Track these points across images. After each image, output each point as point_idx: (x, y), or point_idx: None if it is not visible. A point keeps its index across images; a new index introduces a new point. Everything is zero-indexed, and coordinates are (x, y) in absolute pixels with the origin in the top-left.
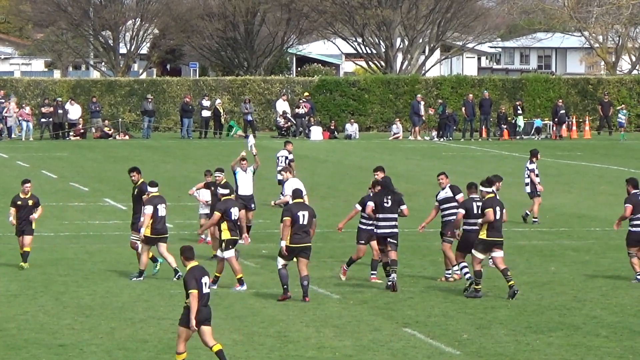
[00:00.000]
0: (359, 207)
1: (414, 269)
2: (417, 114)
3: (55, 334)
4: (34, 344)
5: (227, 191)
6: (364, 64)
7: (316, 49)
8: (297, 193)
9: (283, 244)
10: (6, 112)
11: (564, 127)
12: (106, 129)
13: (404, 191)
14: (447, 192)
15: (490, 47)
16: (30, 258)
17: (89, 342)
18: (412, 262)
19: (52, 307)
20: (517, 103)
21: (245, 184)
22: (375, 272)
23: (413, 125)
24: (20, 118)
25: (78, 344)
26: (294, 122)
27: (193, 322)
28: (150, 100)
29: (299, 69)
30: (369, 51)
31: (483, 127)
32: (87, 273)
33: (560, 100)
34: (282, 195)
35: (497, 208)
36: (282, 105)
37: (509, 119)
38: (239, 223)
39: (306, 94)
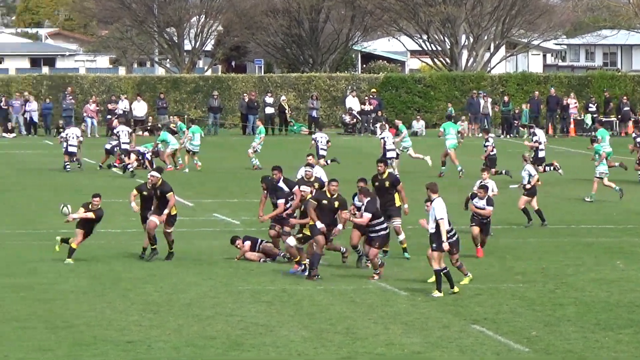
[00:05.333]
0: None
1: (481, 266)
2: (471, 111)
3: (123, 330)
4: (102, 341)
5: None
6: (429, 60)
7: (381, 45)
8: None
9: (320, 224)
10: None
11: (629, 123)
12: (172, 126)
13: (465, 188)
14: None
15: (556, 44)
16: (98, 255)
17: (156, 338)
18: (480, 260)
19: (119, 303)
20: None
21: None
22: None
23: (469, 122)
24: (85, 114)
25: (146, 340)
26: (360, 118)
27: None
28: (215, 97)
29: (364, 65)
30: (434, 48)
31: (549, 124)
32: (154, 270)
33: (625, 97)
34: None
35: None
36: (351, 102)
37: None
38: None
39: (373, 90)
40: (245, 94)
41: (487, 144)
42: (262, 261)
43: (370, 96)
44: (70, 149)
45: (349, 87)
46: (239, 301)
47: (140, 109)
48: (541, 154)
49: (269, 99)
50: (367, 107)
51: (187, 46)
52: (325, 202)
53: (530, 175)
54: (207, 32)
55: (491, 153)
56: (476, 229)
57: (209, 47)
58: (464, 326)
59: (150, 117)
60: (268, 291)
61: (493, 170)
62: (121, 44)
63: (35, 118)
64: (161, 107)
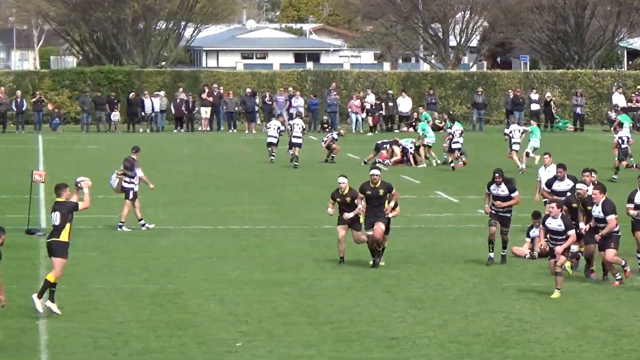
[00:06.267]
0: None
1: None
2: None
3: (387, 326)
4: (366, 337)
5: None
6: None
7: None
8: None
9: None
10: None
11: None
12: (437, 122)
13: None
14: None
15: None
16: (359, 250)
17: (421, 334)
18: None
19: (383, 299)
20: None
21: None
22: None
23: None
24: (349, 110)
25: (410, 336)
26: None
27: None
28: (480, 93)
29: (629, 62)
30: None
31: None
32: (418, 266)
33: None
34: None
35: None
36: (617, 99)
37: None
38: None
39: (639, 87)
40: (510, 90)
41: (615, 135)
42: (526, 257)
43: (637, 93)
44: (270, 139)
45: (615, 84)
46: (504, 298)
47: (405, 104)
48: None
49: (534, 96)
50: (634, 104)
51: (452, 42)
52: (574, 205)
53: None
54: (472, 28)
55: (623, 146)
56: None
57: (474, 43)
58: None
59: (415, 113)
60: (532, 288)
61: (624, 163)
62: (386, 40)
63: (302, 113)
64: (430, 102)
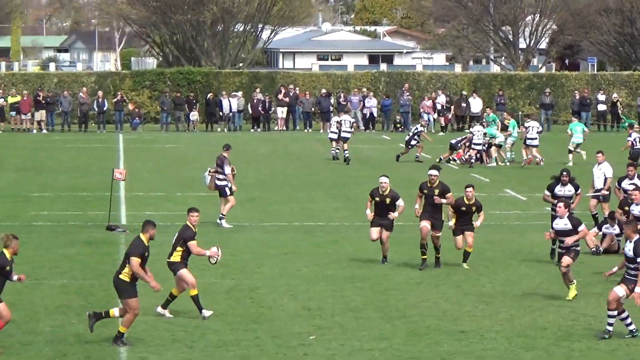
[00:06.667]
0: None
1: None
2: None
3: (456, 320)
4: (436, 330)
5: None
6: None
7: None
8: None
9: None
10: None
11: None
12: (506, 122)
13: None
14: None
15: None
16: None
17: (489, 328)
18: None
19: (453, 294)
20: None
21: (598, 178)
22: None
23: None
24: (421, 110)
25: (478, 330)
26: None
27: None
28: (547, 94)
29: None
30: None
31: None
32: (487, 262)
33: None
34: None
35: None
36: None
37: None
38: None
39: None
40: (576, 91)
41: (628, 138)
42: (592, 251)
43: None
44: (330, 135)
45: None
46: (579, 294)
47: (475, 105)
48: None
49: (601, 97)
50: None
51: (522, 44)
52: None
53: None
54: (541, 30)
55: (635, 147)
56: None
57: (543, 45)
58: None
59: (484, 114)
60: (597, 283)
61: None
62: (457, 42)
63: (375, 114)
64: (499, 103)
